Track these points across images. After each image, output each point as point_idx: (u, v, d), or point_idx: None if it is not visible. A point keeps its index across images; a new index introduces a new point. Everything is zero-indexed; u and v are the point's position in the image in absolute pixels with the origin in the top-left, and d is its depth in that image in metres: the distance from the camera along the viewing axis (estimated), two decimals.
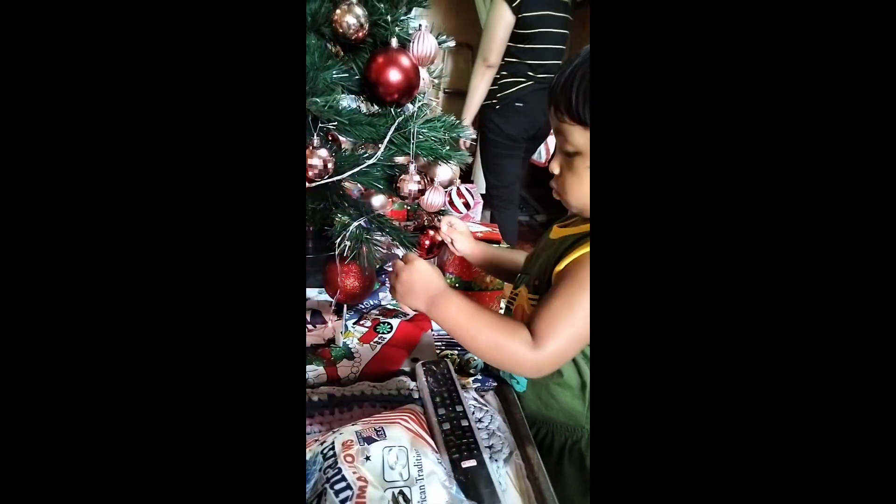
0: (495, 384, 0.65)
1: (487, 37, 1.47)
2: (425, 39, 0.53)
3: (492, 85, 1.56)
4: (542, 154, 2.36)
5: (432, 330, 0.80)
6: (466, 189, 1.20)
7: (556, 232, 0.60)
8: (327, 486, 0.42)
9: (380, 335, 0.76)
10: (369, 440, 0.46)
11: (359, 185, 0.66)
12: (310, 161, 0.54)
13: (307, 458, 0.45)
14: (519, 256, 0.73)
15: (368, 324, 0.79)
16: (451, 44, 0.59)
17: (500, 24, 1.43)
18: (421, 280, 0.52)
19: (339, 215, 0.63)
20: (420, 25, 0.54)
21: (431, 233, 0.71)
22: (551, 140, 2.35)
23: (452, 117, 0.62)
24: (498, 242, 0.91)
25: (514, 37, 1.48)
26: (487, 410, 0.59)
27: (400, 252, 1.04)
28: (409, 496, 0.43)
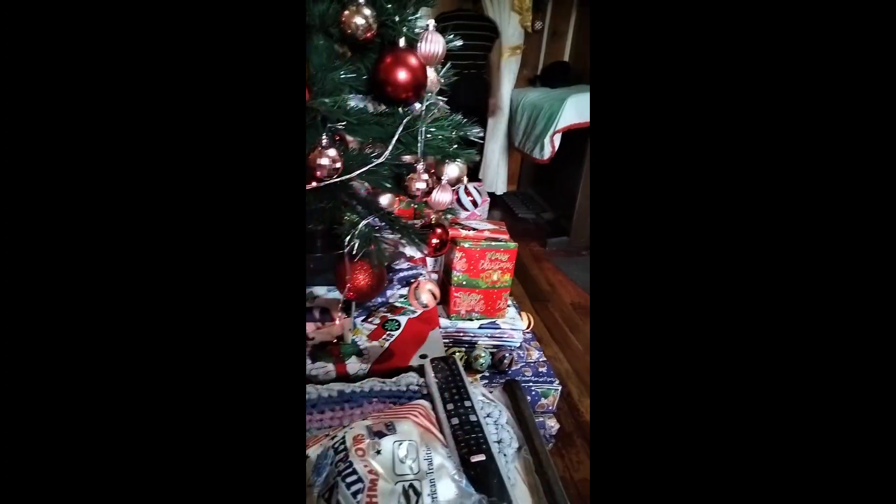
0: (503, 380, 0.66)
1: None
2: (433, 39, 0.54)
3: None
4: (545, 152, 2.36)
5: (440, 327, 0.81)
6: (474, 187, 1.20)
7: None
8: (339, 479, 0.43)
9: (388, 332, 0.77)
10: (380, 434, 0.47)
11: (366, 184, 0.67)
12: (319, 161, 0.54)
13: (319, 452, 0.46)
14: None
15: (377, 321, 0.80)
16: (459, 43, 0.59)
17: None
18: None
19: (348, 214, 0.64)
20: (428, 25, 0.54)
21: (439, 230, 0.72)
22: (557, 137, 2.35)
23: (460, 116, 0.63)
24: (505, 240, 0.91)
25: None
26: (496, 406, 0.59)
27: (408, 251, 1.04)
28: (419, 489, 0.43)
